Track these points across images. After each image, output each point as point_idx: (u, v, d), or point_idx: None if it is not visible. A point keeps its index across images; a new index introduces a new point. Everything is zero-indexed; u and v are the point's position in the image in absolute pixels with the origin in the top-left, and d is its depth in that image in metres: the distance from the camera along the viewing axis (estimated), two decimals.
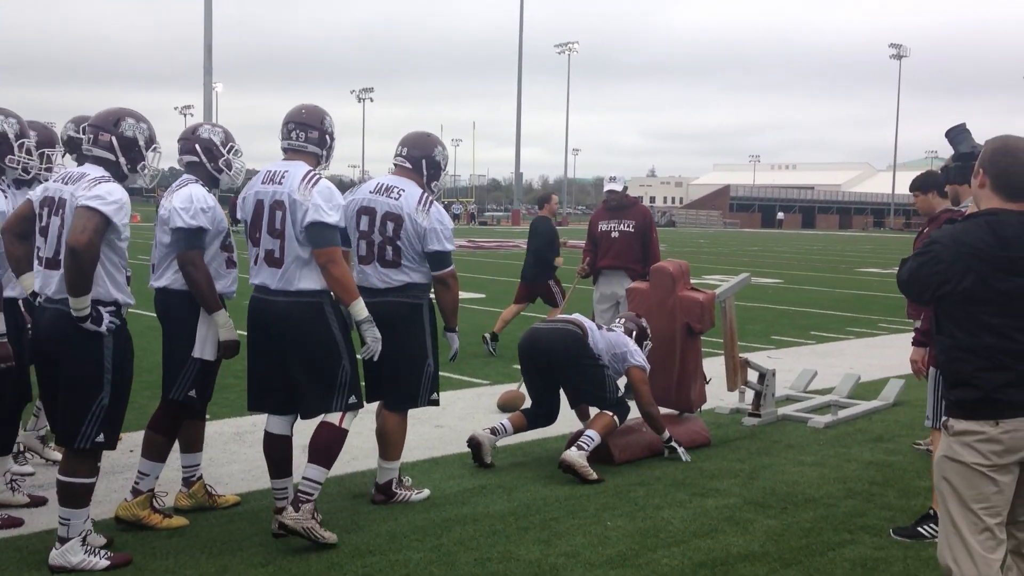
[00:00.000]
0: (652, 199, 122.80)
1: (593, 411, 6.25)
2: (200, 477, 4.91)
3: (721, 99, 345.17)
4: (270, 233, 4.42)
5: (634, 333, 6.24)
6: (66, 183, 4.10)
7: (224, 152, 4.84)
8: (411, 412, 5.15)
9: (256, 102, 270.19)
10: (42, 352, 4.08)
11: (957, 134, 4.25)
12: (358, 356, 4.55)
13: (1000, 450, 2.98)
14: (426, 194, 5.00)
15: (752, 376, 7.24)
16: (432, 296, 5.11)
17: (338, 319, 4.49)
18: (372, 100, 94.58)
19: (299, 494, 4.36)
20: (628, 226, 8.01)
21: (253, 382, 4.60)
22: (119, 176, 4.15)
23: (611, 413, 5.81)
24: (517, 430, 5.97)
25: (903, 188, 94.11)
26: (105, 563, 4.03)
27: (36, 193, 4.24)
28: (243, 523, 4.69)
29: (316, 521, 4.33)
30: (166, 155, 4.51)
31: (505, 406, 7.24)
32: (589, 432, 5.71)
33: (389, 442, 5.06)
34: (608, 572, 4.16)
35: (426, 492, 5.19)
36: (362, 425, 6.77)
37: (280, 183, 4.43)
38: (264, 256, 4.44)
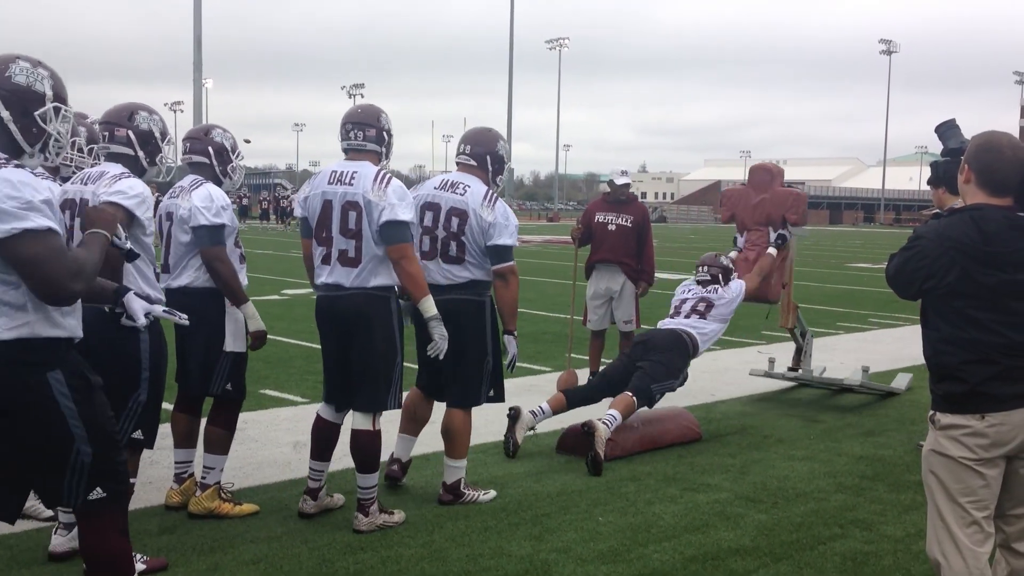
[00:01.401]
0: (643, 195, 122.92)
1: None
2: (192, 474, 4.90)
3: (712, 94, 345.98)
4: (343, 233, 4.49)
5: (720, 275, 6.93)
6: (85, 183, 4.08)
7: (233, 158, 4.88)
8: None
9: (246, 98, 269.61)
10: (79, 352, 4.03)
11: (946, 130, 4.27)
12: (428, 353, 4.64)
13: (986, 444, 2.99)
14: (491, 190, 5.06)
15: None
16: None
17: (399, 318, 4.62)
18: (363, 96, 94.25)
19: (360, 501, 4.58)
20: (626, 220, 7.90)
21: (328, 377, 4.76)
22: (138, 171, 4.13)
23: (633, 397, 6.05)
24: (556, 412, 6.17)
25: (893, 183, 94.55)
26: (141, 567, 3.98)
27: (55, 195, 4.20)
28: (234, 521, 4.68)
29: (386, 515, 4.61)
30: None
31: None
32: (612, 411, 5.94)
33: (454, 440, 5.06)
34: (599, 567, 4.17)
35: (492, 493, 5.15)
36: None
37: (351, 184, 4.50)
38: (338, 256, 4.51)
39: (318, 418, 4.82)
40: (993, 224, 2.97)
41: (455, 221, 4.96)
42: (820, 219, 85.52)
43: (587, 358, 8.18)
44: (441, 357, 4.65)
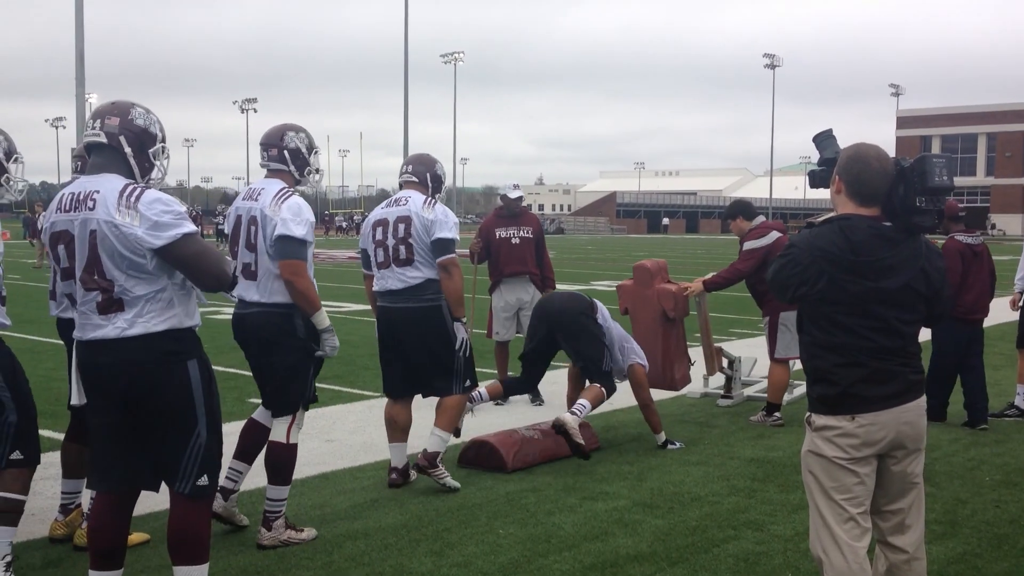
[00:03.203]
0: (541, 207, 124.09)
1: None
2: (79, 505, 4.72)
3: (606, 107, 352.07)
4: (247, 247, 4.70)
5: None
6: None
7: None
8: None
9: None
10: None
11: (823, 140, 4.44)
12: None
13: (857, 443, 3.12)
14: (429, 197, 5.59)
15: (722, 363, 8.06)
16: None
17: (306, 329, 4.71)
18: (256, 111, 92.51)
19: (266, 514, 4.63)
20: (527, 232, 8.17)
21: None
22: None
23: (599, 385, 6.32)
24: (493, 398, 6.54)
25: (780, 192, 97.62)
26: None
27: None
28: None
29: (292, 531, 4.66)
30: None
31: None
32: (582, 401, 6.23)
33: (447, 412, 5.55)
34: None
35: (457, 484, 5.54)
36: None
37: (256, 200, 4.72)
38: (242, 269, 4.68)
39: (250, 419, 4.97)
40: (859, 234, 3.09)
41: (401, 227, 5.48)
42: (712, 228, 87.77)
43: (494, 371, 8.31)
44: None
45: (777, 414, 7.42)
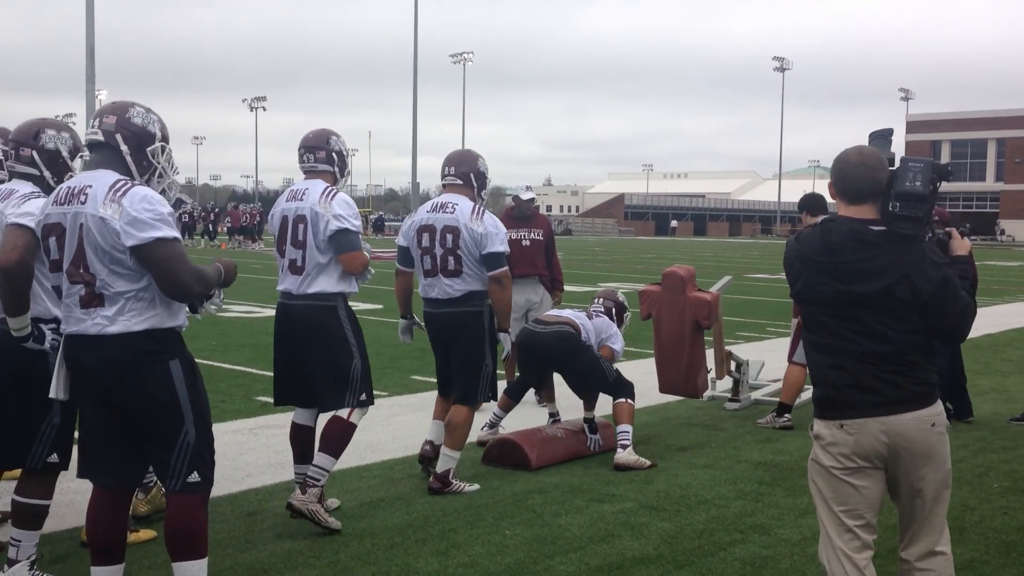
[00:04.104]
0: (549, 208, 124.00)
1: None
2: (157, 483, 4.82)
3: (615, 109, 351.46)
4: (293, 244, 4.91)
5: (613, 310, 6.84)
6: None
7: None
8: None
9: None
10: None
11: (875, 139, 4.33)
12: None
13: (847, 452, 3.06)
14: (477, 204, 5.57)
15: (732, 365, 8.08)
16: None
17: (350, 320, 4.93)
18: (265, 109, 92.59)
19: (308, 479, 4.79)
20: (538, 234, 8.21)
21: (277, 379, 5.15)
22: (48, 190, 4.03)
23: (623, 398, 6.35)
24: (507, 411, 6.67)
25: (788, 196, 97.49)
26: None
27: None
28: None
29: (322, 507, 4.78)
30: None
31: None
32: (621, 428, 6.25)
33: (454, 431, 5.51)
34: None
35: (476, 486, 5.58)
36: (256, 442, 6.65)
37: (302, 200, 4.92)
38: (288, 265, 4.93)
39: (293, 425, 5.15)
40: (836, 235, 3.06)
41: (449, 237, 5.45)
42: (720, 231, 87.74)
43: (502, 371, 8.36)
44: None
45: (788, 415, 7.42)
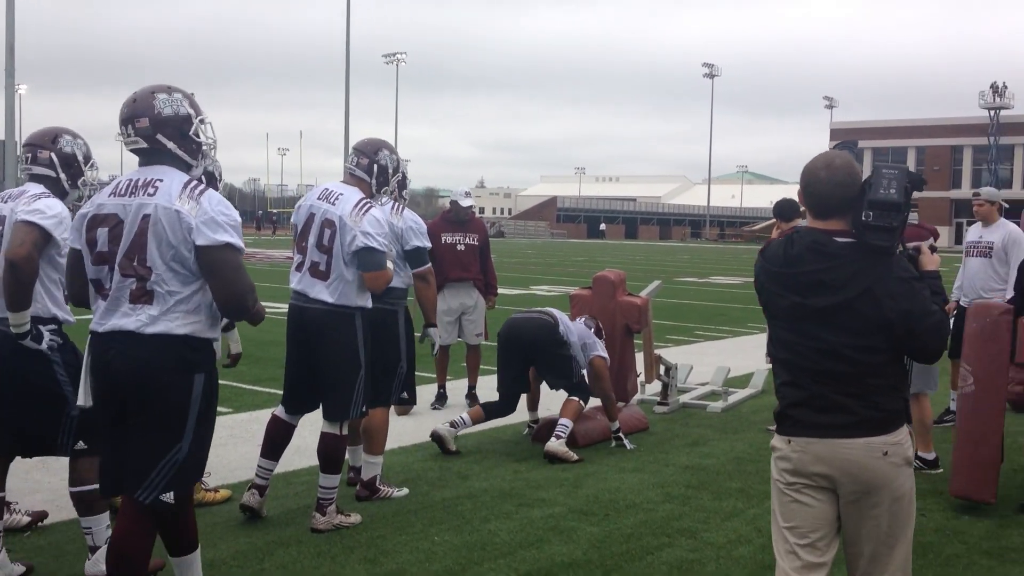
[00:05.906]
0: (482, 210, 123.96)
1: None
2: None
3: (548, 112, 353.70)
4: (318, 247, 4.85)
5: (592, 329, 7.02)
6: (5, 201, 4.23)
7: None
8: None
9: (66, 105, 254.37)
10: None
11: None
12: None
13: (790, 468, 2.94)
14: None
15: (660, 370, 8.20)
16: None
17: (364, 332, 4.91)
18: None
19: (318, 501, 4.88)
20: (473, 239, 8.22)
21: (290, 383, 5.09)
22: (59, 192, 4.24)
23: (577, 398, 6.60)
24: (475, 423, 6.64)
25: (717, 200, 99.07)
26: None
27: None
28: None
29: (343, 516, 4.94)
30: None
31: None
32: (562, 421, 6.45)
33: (373, 437, 5.42)
34: None
35: (405, 490, 5.56)
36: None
37: (334, 203, 4.88)
38: (310, 266, 4.87)
39: (274, 417, 5.09)
40: (798, 247, 2.94)
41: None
42: (651, 234, 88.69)
43: (433, 375, 8.42)
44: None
45: None
